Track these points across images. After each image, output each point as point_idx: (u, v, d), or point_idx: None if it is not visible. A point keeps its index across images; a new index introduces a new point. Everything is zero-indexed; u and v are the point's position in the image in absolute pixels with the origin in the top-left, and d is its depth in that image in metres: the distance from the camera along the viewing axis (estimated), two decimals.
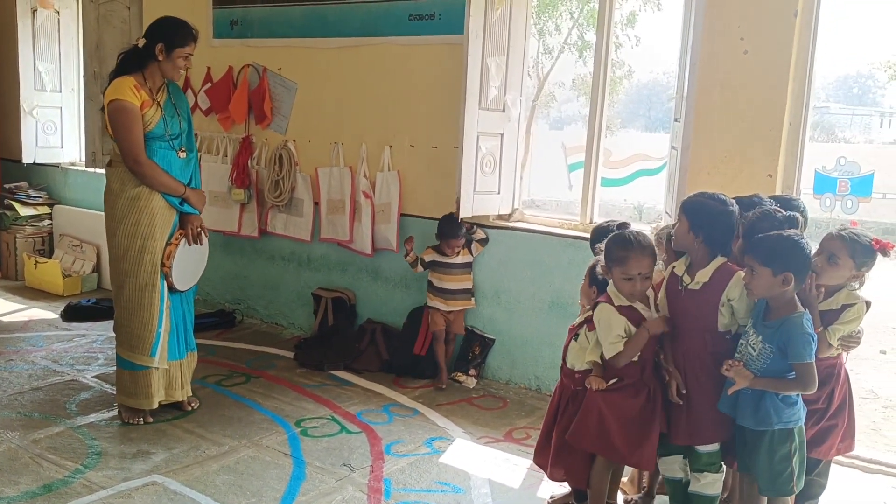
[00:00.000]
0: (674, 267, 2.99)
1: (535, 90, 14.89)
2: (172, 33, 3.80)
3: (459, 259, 4.71)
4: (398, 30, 4.97)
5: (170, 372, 3.99)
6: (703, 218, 2.86)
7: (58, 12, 6.91)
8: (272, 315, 5.83)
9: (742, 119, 3.84)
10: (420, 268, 4.76)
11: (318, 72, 5.38)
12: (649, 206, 11.37)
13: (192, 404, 4.17)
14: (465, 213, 4.55)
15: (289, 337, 5.56)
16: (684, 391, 2.89)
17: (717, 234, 2.86)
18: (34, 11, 6.82)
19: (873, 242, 2.88)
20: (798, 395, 2.76)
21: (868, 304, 2.95)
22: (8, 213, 6.88)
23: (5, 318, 5.73)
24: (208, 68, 5.82)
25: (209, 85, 5.83)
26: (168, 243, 3.88)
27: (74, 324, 5.64)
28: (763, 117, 3.80)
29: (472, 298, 4.80)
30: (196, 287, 4.18)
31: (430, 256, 4.73)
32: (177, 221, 3.93)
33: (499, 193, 4.78)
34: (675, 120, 4.07)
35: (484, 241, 4.76)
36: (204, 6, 5.79)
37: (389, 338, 5.07)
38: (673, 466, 3.02)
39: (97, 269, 6.59)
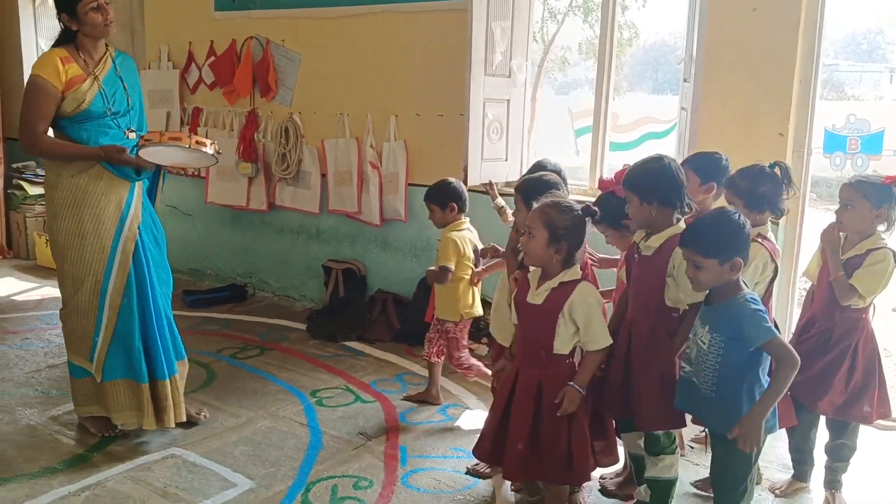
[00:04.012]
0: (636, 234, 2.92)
1: (541, 55, 14.75)
2: None
3: None
4: None
5: (134, 390, 3.46)
6: (647, 183, 2.75)
7: None
8: (283, 288, 5.85)
9: (752, 78, 3.80)
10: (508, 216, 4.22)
11: (321, 42, 5.33)
12: None
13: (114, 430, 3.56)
14: (472, 181, 4.52)
15: (301, 309, 5.58)
16: (602, 365, 2.78)
17: (668, 192, 2.74)
18: None
19: (885, 179, 2.93)
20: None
21: (895, 253, 2.94)
22: (17, 192, 6.90)
23: (19, 297, 5.76)
24: (211, 42, 5.79)
25: (212, 59, 5.80)
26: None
27: None
28: (773, 75, 3.76)
29: None
30: (169, 303, 3.61)
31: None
32: (129, 209, 3.39)
33: (506, 160, 4.75)
34: (685, 80, 4.03)
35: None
36: None
37: (400, 307, 5.08)
38: (635, 442, 2.91)
39: None
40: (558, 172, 3.39)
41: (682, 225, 2.77)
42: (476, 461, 3.31)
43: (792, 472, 3.26)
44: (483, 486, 3.23)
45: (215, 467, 3.32)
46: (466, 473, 3.31)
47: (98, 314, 3.37)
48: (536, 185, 2.99)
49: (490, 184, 4.44)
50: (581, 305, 2.62)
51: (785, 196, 3.00)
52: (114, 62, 3.41)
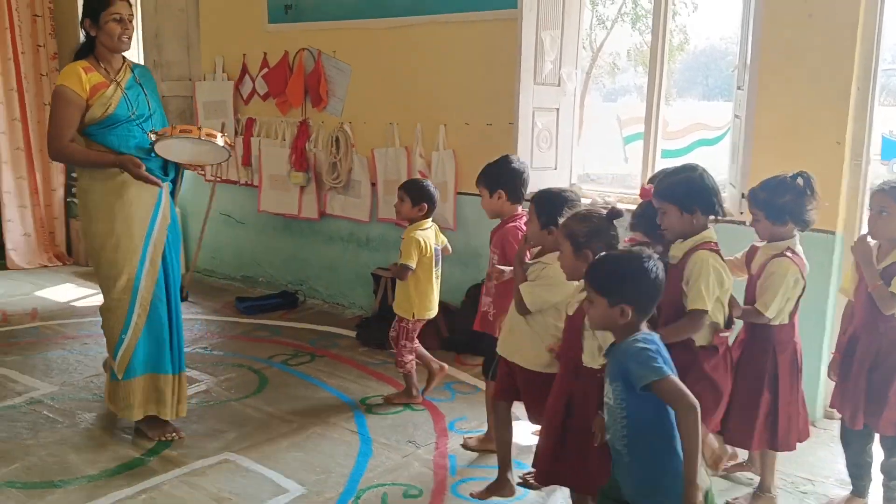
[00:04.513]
0: None
1: (589, 62, 14.69)
2: (90, 1, 3.46)
3: None
4: (450, 6, 4.94)
5: (158, 384, 3.60)
6: (688, 192, 2.75)
7: None
8: (333, 295, 5.92)
9: (808, 85, 3.73)
10: None
11: (371, 53, 5.39)
12: None
13: (172, 434, 3.66)
14: None
15: (350, 316, 5.63)
16: None
17: (709, 199, 2.76)
18: None
19: None
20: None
21: None
22: (76, 201, 7.09)
23: (78, 303, 5.93)
24: (265, 54, 5.89)
25: (266, 70, 5.90)
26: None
27: None
28: (830, 82, 3.68)
29: None
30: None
31: None
32: (158, 212, 3.53)
33: (555, 169, 4.74)
34: (738, 88, 3.97)
35: None
36: None
37: (449, 315, 5.09)
38: None
39: None
40: (523, 173, 3.51)
41: (710, 232, 2.75)
42: (527, 471, 3.30)
43: (850, 488, 3.18)
44: (534, 497, 3.22)
45: (268, 473, 3.37)
46: (517, 485, 3.30)
47: (129, 312, 3.50)
48: (554, 199, 2.94)
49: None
50: None
51: (809, 207, 2.93)
52: (132, 71, 3.56)
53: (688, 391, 2.11)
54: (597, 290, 2.25)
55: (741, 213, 3.64)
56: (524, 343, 2.98)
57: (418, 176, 5.15)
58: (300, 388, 4.32)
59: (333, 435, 3.74)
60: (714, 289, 2.72)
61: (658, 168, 4.65)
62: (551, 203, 2.89)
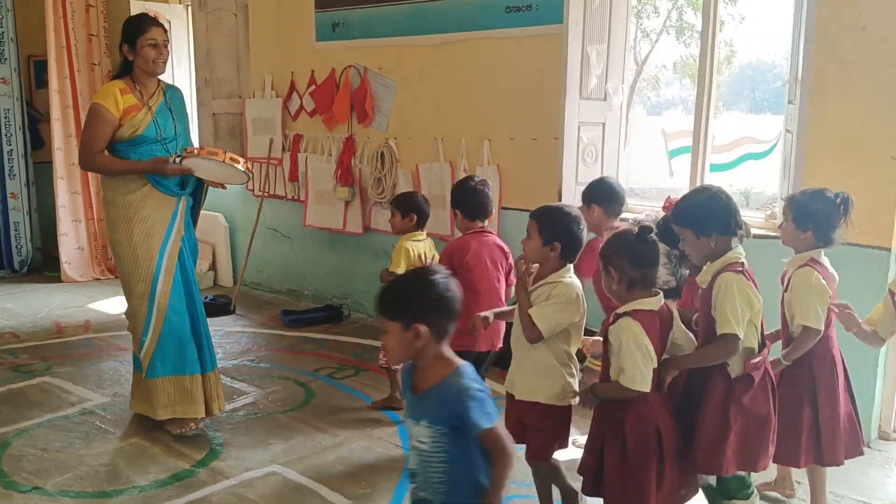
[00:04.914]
0: None
1: (634, 75, 14.61)
2: (128, 28, 3.70)
3: None
4: (495, 23, 4.96)
5: (183, 385, 3.80)
6: (700, 215, 2.70)
7: (169, 22, 7.23)
8: None
9: (861, 99, 3.66)
10: None
11: (416, 69, 5.44)
12: (757, 192, 10.95)
13: (191, 426, 3.86)
14: None
15: None
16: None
17: (725, 219, 2.69)
18: None
19: None
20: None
21: None
22: None
23: None
24: (312, 71, 5.98)
25: (313, 87, 5.99)
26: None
27: None
28: (884, 96, 3.60)
29: None
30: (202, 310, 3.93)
31: None
32: (173, 224, 3.77)
33: None
34: (790, 102, 3.92)
35: None
36: (306, 10, 5.95)
37: None
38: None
39: (213, 266, 6.89)
40: (473, 189, 3.66)
41: (736, 252, 2.69)
42: None
43: None
44: None
45: (314, 486, 3.40)
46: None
47: (147, 316, 3.74)
48: (556, 214, 2.87)
49: None
50: (614, 341, 2.51)
51: (836, 224, 2.89)
52: (164, 94, 3.80)
53: (508, 445, 2.04)
54: (387, 317, 2.07)
55: None
56: (535, 376, 2.88)
57: None
58: (345, 401, 4.35)
59: (378, 449, 3.76)
60: (744, 311, 2.61)
61: (706, 182, 4.60)
62: (552, 219, 2.84)
